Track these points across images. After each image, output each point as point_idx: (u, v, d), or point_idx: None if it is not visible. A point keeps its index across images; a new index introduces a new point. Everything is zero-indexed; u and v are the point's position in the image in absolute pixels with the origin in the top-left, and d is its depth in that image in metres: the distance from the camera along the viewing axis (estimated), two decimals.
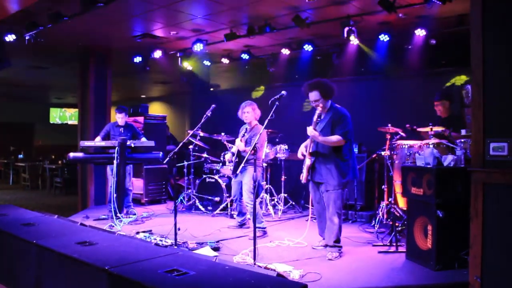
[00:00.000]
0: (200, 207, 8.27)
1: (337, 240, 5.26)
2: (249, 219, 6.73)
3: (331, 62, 8.60)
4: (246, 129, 6.55)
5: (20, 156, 16.73)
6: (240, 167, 6.02)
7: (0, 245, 4.67)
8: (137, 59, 9.56)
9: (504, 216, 3.77)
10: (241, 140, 6.41)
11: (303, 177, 5.37)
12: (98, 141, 7.36)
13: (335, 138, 5.11)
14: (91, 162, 8.23)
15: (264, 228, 6.42)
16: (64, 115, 21.05)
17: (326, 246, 5.37)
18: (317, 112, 5.19)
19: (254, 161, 5.05)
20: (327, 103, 5.30)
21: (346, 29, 6.94)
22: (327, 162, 5.20)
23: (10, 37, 7.49)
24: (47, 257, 3.81)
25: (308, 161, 5.28)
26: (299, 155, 5.46)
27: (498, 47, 3.86)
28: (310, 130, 5.12)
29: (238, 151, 6.52)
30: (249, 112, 6.45)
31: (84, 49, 9.28)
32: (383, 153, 6.57)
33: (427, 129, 6.02)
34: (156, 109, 17.69)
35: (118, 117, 7.74)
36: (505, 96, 3.80)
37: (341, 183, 5.19)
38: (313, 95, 5.23)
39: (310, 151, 5.28)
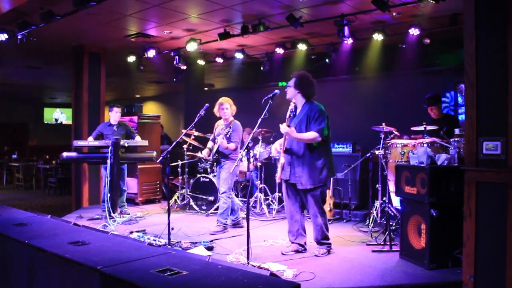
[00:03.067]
0: (194, 206, 8.25)
1: (325, 237, 5.20)
2: (242, 218, 6.69)
3: (325, 61, 8.60)
4: (224, 125, 6.59)
5: (14, 156, 16.66)
6: (235, 168, 6.07)
7: None
8: (131, 59, 9.54)
9: (497, 215, 3.77)
10: (223, 138, 6.36)
11: (278, 176, 5.21)
12: (91, 141, 7.34)
13: (310, 134, 4.91)
14: (84, 162, 8.23)
15: (227, 225, 6.61)
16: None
17: (297, 251, 5.24)
18: (290, 107, 5.04)
19: (251, 158, 5.06)
20: (297, 95, 5.15)
21: (346, 28, 6.95)
22: (302, 161, 5.02)
23: (2, 37, 7.44)
24: (40, 257, 3.78)
25: (282, 159, 5.11)
26: (274, 153, 5.33)
27: (491, 47, 3.87)
28: (283, 127, 4.89)
29: (215, 145, 6.58)
30: (228, 109, 6.55)
31: (78, 49, 9.26)
32: (377, 152, 6.57)
33: (421, 128, 6.04)
34: (150, 108, 17.68)
35: (113, 113, 7.69)
36: (498, 95, 3.81)
37: (318, 183, 5.01)
38: (290, 81, 5.21)
39: (284, 148, 5.10)
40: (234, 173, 6.62)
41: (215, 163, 6.81)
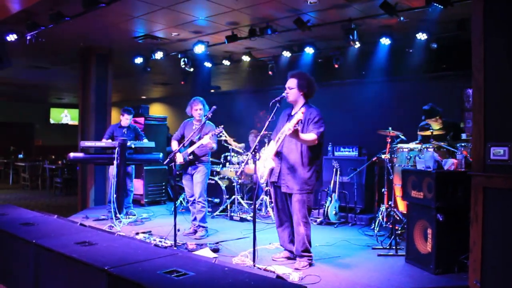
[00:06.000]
0: None
1: (305, 250, 4.87)
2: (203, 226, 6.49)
3: (332, 65, 8.61)
4: (199, 126, 6.24)
5: (20, 156, 16.74)
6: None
7: None
8: (138, 60, 9.57)
9: (504, 220, 3.77)
10: (210, 137, 6.13)
11: (263, 178, 4.96)
12: (98, 142, 7.38)
13: (311, 136, 4.67)
14: (91, 163, 8.26)
15: (208, 228, 6.56)
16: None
17: (288, 258, 5.11)
18: (298, 118, 4.41)
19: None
20: (300, 97, 4.94)
21: (354, 32, 6.95)
22: (293, 165, 4.82)
23: (12, 37, 7.50)
24: (46, 257, 3.81)
25: (272, 163, 4.89)
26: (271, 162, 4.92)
27: (499, 52, 3.87)
28: (289, 127, 4.43)
29: (191, 147, 6.29)
30: (201, 109, 6.37)
31: (85, 50, 9.30)
32: (383, 156, 6.57)
33: (428, 133, 6.03)
34: (156, 110, 17.71)
35: (125, 118, 7.73)
36: (506, 100, 3.81)
37: (306, 189, 4.79)
38: (290, 82, 4.94)
39: (275, 152, 4.87)
40: (208, 176, 6.50)
41: (187, 166, 6.42)
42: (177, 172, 6.48)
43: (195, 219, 6.50)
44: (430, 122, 6.38)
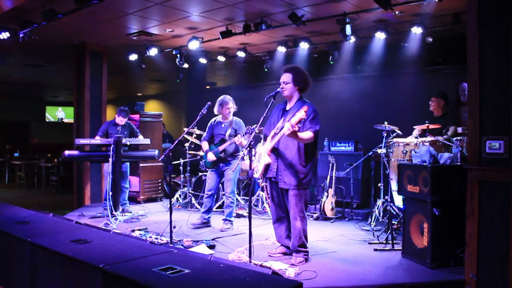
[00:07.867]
0: (196, 205, 8.25)
1: (302, 245, 4.87)
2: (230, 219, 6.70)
3: (327, 60, 8.59)
4: (227, 123, 6.61)
5: (16, 154, 16.68)
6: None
7: None
8: (133, 57, 9.53)
9: (500, 214, 3.77)
10: (241, 136, 6.24)
11: (259, 173, 5.01)
12: (93, 139, 7.35)
13: (308, 134, 4.66)
14: (86, 160, 8.24)
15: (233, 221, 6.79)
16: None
17: (284, 253, 5.11)
18: (300, 116, 4.36)
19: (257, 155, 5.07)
20: (295, 92, 4.93)
21: (348, 26, 6.92)
22: (289, 162, 4.80)
23: (4, 35, 7.44)
24: (42, 255, 3.78)
25: (267, 159, 4.91)
26: (267, 160, 4.95)
27: (494, 45, 3.86)
28: (288, 126, 4.37)
29: (223, 145, 6.51)
30: (232, 107, 6.62)
31: (79, 47, 9.25)
32: (379, 151, 6.56)
33: (423, 126, 6.04)
34: (152, 107, 17.68)
35: (120, 120, 7.69)
36: (502, 94, 3.80)
37: (302, 184, 4.80)
38: (285, 77, 4.91)
39: (271, 148, 4.88)
40: (238, 172, 6.80)
41: (219, 163, 6.62)
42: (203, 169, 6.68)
43: (205, 212, 6.74)
44: (434, 100, 6.67)
